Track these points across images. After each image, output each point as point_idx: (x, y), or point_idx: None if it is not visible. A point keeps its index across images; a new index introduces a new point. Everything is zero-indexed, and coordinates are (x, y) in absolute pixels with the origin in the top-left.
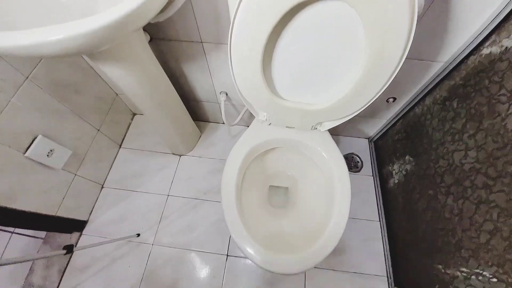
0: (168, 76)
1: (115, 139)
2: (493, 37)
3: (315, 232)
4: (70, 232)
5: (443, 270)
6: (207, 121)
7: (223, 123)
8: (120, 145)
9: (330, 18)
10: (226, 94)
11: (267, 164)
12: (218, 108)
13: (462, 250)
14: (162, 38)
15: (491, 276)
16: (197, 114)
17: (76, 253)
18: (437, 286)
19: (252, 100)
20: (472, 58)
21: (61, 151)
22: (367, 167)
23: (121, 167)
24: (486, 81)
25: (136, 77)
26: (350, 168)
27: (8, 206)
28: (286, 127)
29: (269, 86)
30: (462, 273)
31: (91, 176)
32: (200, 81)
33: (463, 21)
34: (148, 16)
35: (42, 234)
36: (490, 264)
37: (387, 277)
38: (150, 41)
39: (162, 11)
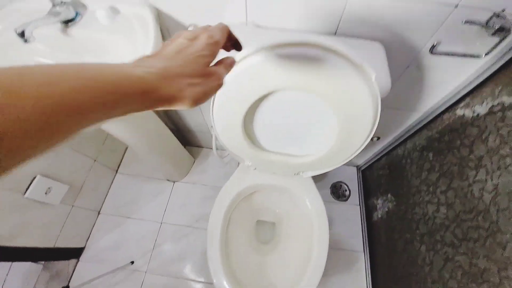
0: (159, 112)
1: (111, 166)
2: (467, 99)
3: (295, 276)
4: (68, 259)
5: None
6: (200, 146)
7: None
8: (117, 171)
9: (300, 97)
10: None
11: (255, 201)
12: (210, 137)
13: None
14: None
15: None
16: (190, 141)
17: (73, 280)
18: None
19: (236, 152)
20: (447, 115)
21: (59, 188)
22: (355, 197)
23: (117, 193)
24: (458, 142)
25: (127, 125)
26: (338, 197)
27: (9, 245)
28: (272, 172)
29: (252, 141)
30: None
31: (88, 205)
32: (192, 117)
33: (439, 81)
34: None
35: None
36: None
37: None
38: None
39: None
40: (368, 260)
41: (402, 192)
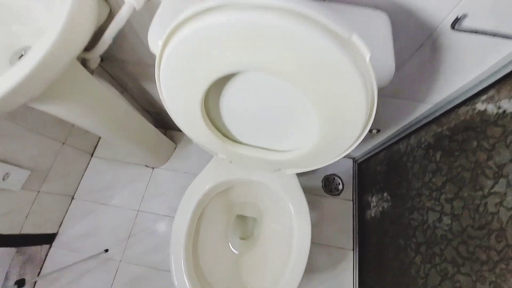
0: (129, 93)
1: (85, 148)
2: (492, 91)
3: (272, 279)
4: (40, 244)
5: None
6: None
7: None
8: (92, 154)
9: (273, 84)
10: None
11: (234, 194)
12: None
13: None
14: (113, 60)
15: None
16: (171, 124)
17: (46, 265)
18: None
19: (205, 146)
20: (464, 108)
21: (18, 173)
22: (348, 191)
23: (92, 177)
24: (474, 143)
25: (82, 110)
26: (330, 191)
27: None
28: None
29: (221, 131)
30: None
31: (59, 190)
32: None
33: (458, 67)
34: (58, 65)
35: None
36: None
37: None
38: (101, 62)
39: (89, 49)
40: (357, 259)
41: (399, 193)
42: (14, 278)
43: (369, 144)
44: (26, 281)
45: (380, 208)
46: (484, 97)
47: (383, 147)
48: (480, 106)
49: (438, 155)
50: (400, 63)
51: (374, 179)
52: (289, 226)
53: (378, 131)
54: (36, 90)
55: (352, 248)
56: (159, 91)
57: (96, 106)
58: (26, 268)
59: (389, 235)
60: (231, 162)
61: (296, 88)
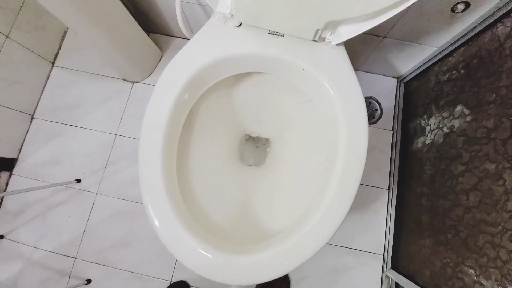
0: None
1: (42, 53)
2: None
3: (294, 220)
4: None
5: (475, 278)
6: (172, 35)
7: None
8: (53, 63)
9: None
10: None
11: (239, 97)
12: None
13: None
14: None
15: None
16: (155, 23)
17: (7, 196)
18: None
19: None
20: None
21: None
22: (387, 119)
23: (56, 92)
24: None
25: None
26: None
27: None
28: (269, 33)
29: None
30: None
31: (10, 103)
32: None
33: None
34: None
35: None
36: None
37: (384, 256)
38: None
39: None
40: (393, 200)
41: (494, 98)
42: None
43: (433, 46)
44: None
45: (446, 129)
46: None
47: (460, 42)
48: None
49: None
50: None
51: (436, 95)
52: (330, 123)
53: (467, 6)
54: None
55: (387, 188)
56: None
57: None
58: None
59: (462, 161)
60: (239, 25)
61: None
